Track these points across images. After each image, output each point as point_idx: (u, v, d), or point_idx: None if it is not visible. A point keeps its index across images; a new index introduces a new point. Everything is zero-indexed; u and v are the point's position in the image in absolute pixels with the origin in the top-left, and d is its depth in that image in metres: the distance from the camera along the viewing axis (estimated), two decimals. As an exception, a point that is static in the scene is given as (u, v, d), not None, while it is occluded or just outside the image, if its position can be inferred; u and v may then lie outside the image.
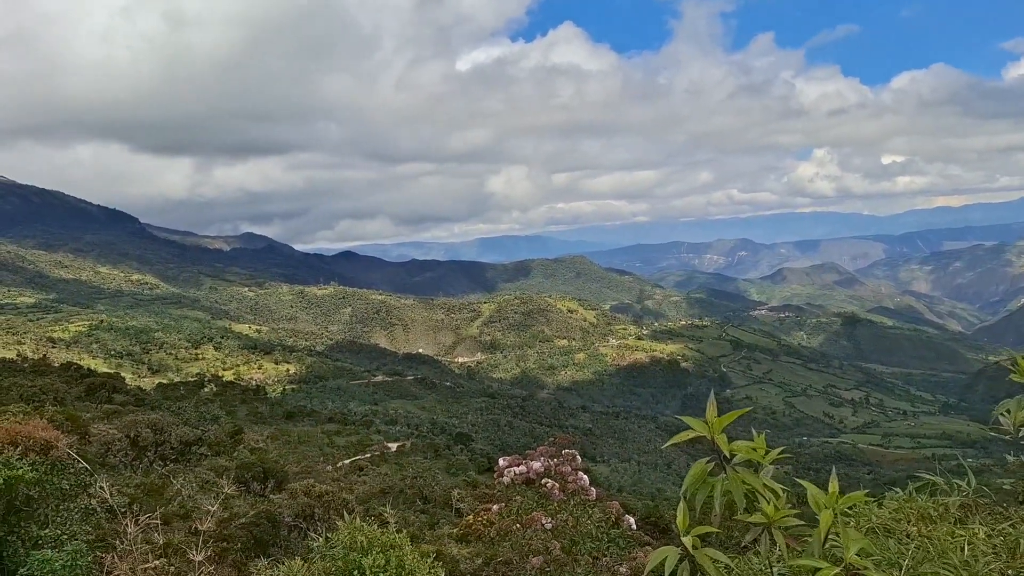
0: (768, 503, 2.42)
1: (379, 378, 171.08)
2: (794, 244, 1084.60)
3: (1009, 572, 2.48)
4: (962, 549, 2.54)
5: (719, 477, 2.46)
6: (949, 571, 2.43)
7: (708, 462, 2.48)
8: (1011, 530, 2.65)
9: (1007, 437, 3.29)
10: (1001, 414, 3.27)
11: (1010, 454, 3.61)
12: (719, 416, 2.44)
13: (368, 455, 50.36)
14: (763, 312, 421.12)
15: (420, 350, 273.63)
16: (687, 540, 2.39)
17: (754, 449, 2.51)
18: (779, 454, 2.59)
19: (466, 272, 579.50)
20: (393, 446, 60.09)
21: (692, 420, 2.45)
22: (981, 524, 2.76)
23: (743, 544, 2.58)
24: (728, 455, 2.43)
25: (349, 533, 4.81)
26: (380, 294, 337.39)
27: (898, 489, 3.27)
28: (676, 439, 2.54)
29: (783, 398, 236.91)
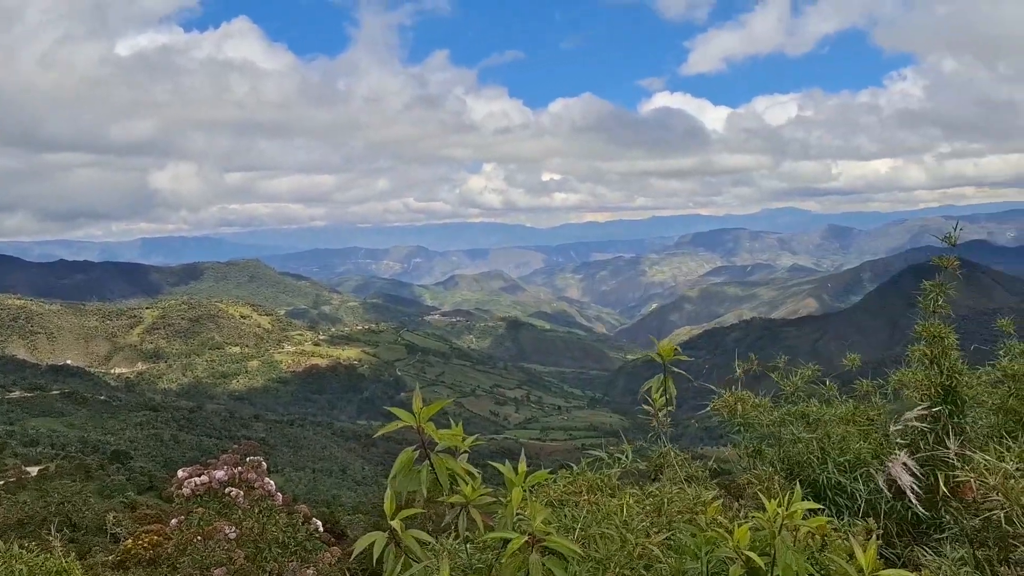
0: (467, 485, 2.67)
1: (16, 394, 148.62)
2: (465, 252, 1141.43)
3: (654, 527, 3.00)
4: (622, 511, 3.02)
5: (424, 464, 2.66)
6: (612, 529, 2.87)
7: (414, 450, 2.67)
8: (657, 492, 3.22)
9: (651, 417, 3.94)
10: (644, 396, 3.92)
11: (645, 440, 4.29)
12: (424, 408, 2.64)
13: (2, 482, 43.78)
14: (436, 317, 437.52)
15: (68, 361, 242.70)
16: (395, 523, 2.55)
17: (453, 436, 2.75)
18: (474, 441, 2.86)
19: (125, 275, 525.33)
20: (34, 470, 52.96)
21: (400, 411, 2.62)
22: (634, 490, 3.32)
23: (442, 524, 2.81)
24: (433, 442, 2.64)
25: (3, 562, 4.26)
26: (18, 298, 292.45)
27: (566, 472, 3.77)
28: (386, 429, 2.69)
29: (454, 399, 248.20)
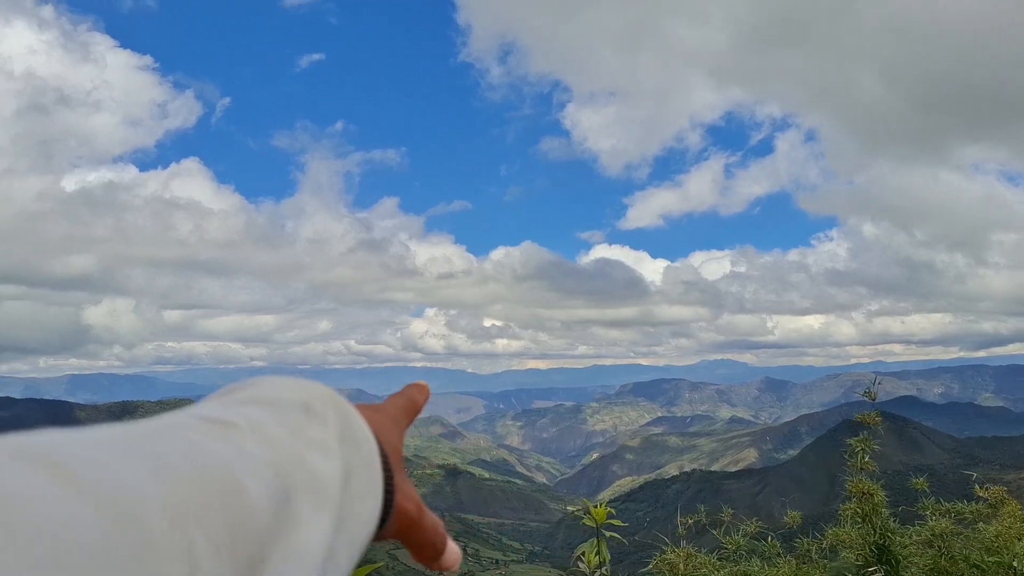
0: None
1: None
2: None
3: None
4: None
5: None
6: None
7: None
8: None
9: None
10: (579, 558, 3.92)
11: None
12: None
13: None
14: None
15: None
16: None
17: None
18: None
19: (49, 413, 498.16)
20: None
21: None
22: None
23: None
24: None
25: None
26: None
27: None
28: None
29: (387, 551, 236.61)
